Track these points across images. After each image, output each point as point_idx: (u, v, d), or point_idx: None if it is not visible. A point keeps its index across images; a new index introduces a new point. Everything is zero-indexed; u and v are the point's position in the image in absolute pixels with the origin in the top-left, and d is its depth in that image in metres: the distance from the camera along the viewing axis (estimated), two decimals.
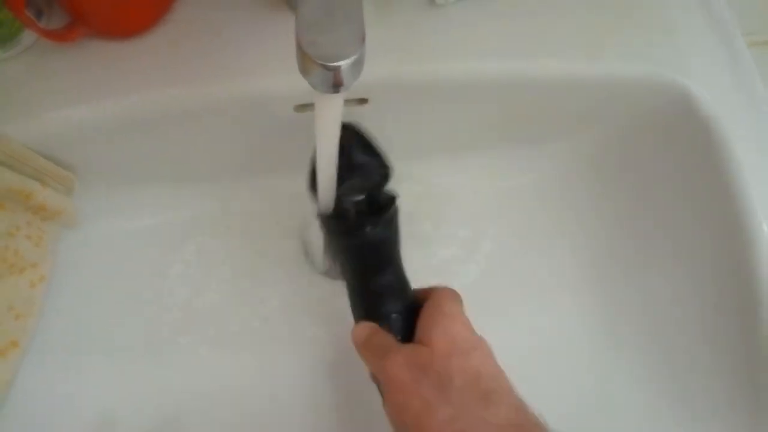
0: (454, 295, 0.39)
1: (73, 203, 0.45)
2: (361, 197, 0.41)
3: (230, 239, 0.52)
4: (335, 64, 0.27)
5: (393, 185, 0.54)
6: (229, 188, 0.52)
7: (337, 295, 0.44)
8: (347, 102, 0.45)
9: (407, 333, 0.38)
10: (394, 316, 0.39)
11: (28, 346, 0.42)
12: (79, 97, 0.41)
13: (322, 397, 0.49)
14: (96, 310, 0.49)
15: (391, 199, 0.41)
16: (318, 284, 0.52)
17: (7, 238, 0.42)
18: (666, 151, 0.50)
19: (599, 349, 0.52)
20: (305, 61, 0.27)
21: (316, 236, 0.46)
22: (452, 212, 0.55)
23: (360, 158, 0.41)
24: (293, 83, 0.36)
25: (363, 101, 0.46)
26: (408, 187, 0.55)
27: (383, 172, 0.41)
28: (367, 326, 0.39)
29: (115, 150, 0.45)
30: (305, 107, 0.45)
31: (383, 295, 0.40)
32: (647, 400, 0.49)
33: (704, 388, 0.47)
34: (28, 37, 0.42)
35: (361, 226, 0.39)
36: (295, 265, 0.52)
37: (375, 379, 0.39)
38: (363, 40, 0.28)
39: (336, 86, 0.28)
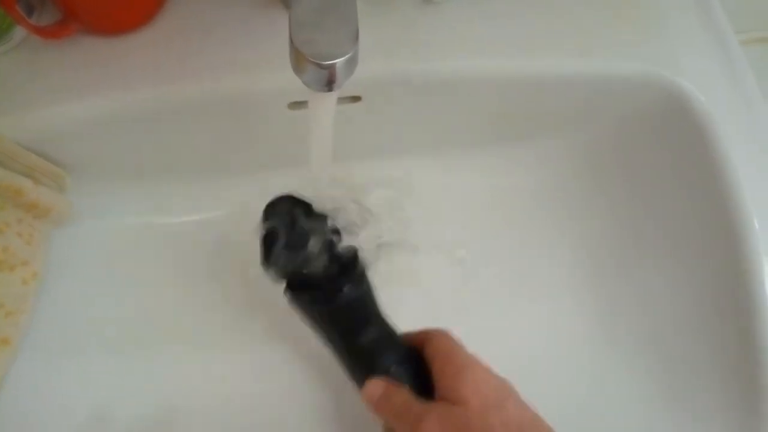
0: (453, 339, 0.38)
1: (65, 200, 0.45)
2: (322, 262, 0.40)
3: (224, 235, 0.52)
4: (329, 62, 0.27)
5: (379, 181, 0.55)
6: (223, 185, 0.52)
7: None
8: (340, 100, 0.45)
9: (413, 383, 0.38)
10: (393, 368, 0.38)
11: (19, 343, 0.42)
12: (70, 93, 0.41)
13: (318, 394, 0.49)
14: (89, 308, 0.48)
15: (354, 252, 0.41)
16: None
17: None
18: (660, 149, 0.50)
19: (596, 348, 0.52)
20: (299, 59, 0.28)
21: None
22: (445, 211, 0.55)
23: (308, 224, 0.41)
24: (287, 81, 0.36)
25: (356, 99, 0.46)
26: (399, 186, 0.55)
27: (333, 228, 0.41)
28: (379, 384, 0.38)
29: (107, 147, 0.45)
30: (299, 105, 0.45)
31: (375, 350, 0.39)
32: (644, 399, 0.49)
33: (701, 386, 0.48)
34: (18, 33, 0.42)
35: (337, 290, 0.39)
36: None
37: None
38: (356, 38, 0.28)
39: (329, 84, 0.28)
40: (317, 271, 0.40)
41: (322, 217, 0.41)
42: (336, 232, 0.41)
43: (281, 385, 0.49)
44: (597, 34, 0.47)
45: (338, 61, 0.27)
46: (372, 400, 0.37)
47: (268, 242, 0.41)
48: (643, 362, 0.50)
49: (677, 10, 0.50)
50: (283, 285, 0.42)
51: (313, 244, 0.40)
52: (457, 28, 0.46)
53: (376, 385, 0.38)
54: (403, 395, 0.37)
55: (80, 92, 0.41)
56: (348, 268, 0.40)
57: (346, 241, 0.41)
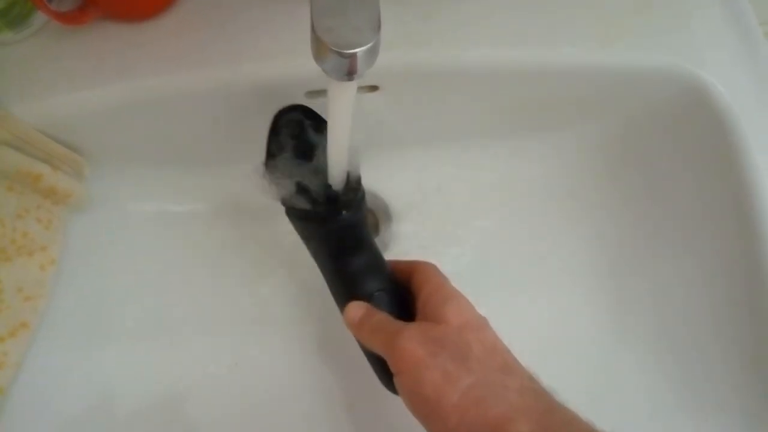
0: (441, 272, 0.39)
1: (83, 187, 0.45)
2: (323, 185, 0.40)
3: (241, 223, 0.52)
4: (350, 51, 0.27)
5: (401, 174, 0.54)
6: (241, 172, 0.51)
7: None
8: (359, 89, 0.45)
9: (394, 309, 0.39)
10: (377, 293, 0.39)
11: (37, 327, 0.42)
12: (89, 80, 0.41)
13: (323, 379, 0.50)
14: (106, 293, 0.49)
15: (357, 179, 0.41)
16: None
17: (16, 220, 0.42)
18: (679, 143, 0.49)
19: (608, 340, 0.52)
20: (320, 47, 0.27)
21: None
22: (460, 202, 0.55)
23: (316, 138, 0.41)
24: (306, 69, 0.36)
25: (374, 88, 0.46)
26: (415, 175, 0.55)
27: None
28: (361, 305, 0.39)
29: (125, 134, 0.45)
30: (317, 93, 0.45)
31: (362, 275, 0.40)
32: (654, 391, 0.49)
33: (712, 379, 0.47)
34: (39, 19, 0.42)
35: (335, 211, 0.39)
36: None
37: (373, 358, 0.39)
38: (378, 27, 0.28)
39: (350, 74, 0.28)
40: (317, 187, 0.40)
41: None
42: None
43: (298, 372, 0.49)
44: (619, 25, 0.46)
45: (360, 50, 0.27)
46: (352, 321, 0.38)
47: (274, 149, 0.41)
48: (655, 355, 0.50)
49: (701, 2, 0.49)
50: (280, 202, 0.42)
51: (319, 158, 0.40)
52: (477, 18, 0.45)
53: (357, 307, 0.38)
54: (384, 316, 0.38)
55: (99, 79, 0.41)
56: (347, 194, 0.40)
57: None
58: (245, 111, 0.45)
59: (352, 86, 0.30)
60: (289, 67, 0.42)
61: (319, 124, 0.42)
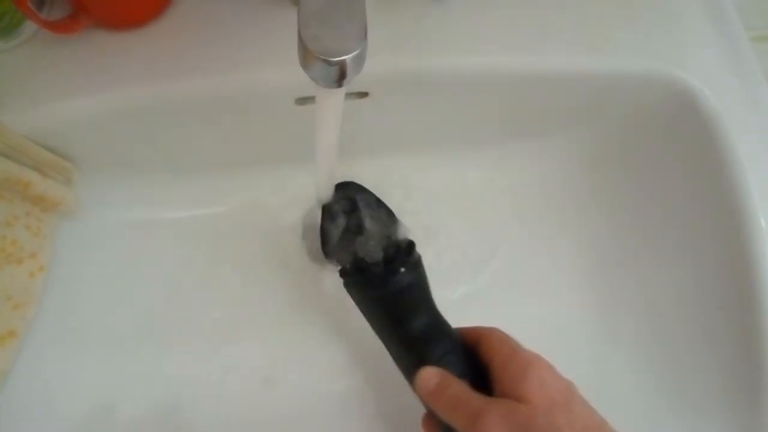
0: (511, 337, 0.37)
1: (72, 194, 0.45)
2: (379, 251, 0.40)
3: (231, 229, 0.52)
4: (337, 59, 0.27)
5: (391, 180, 0.54)
6: (231, 180, 0.52)
7: (337, 286, 0.44)
8: (347, 95, 0.45)
9: (467, 375, 0.36)
10: (446, 357, 0.37)
11: (26, 335, 0.42)
12: (79, 88, 0.41)
13: (316, 382, 0.50)
14: (95, 300, 0.48)
15: (410, 244, 0.40)
16: (316, 273, 0.52)
17: (5, 227, 0.42)
18: (667, 146, 0.50)
19: (599, 343, 0.52)
20: (307, 55, 0.27)
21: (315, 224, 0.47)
22: (451, 208, 0.55)
23: (371, 213, 0.41)
24: (294, 76, 0.36)
25: (363, 95, 0.46)
26: (406, 182, 0.55)
27: (393, 225, 0.41)
28: (435, 372, 0.36)
29: (115, 141, 0.45)
30: (306, 100, 0.45)
31: (427, 338, 0.38)
32: (646, 394, 0.49)
33: (703, 382, 0.48)
34: (29, 28, 0.42)
35: (392, 272, 0.38)
36: (297, 255, 0.52)
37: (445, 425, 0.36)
38: (365, 35, 0.28)
39: (338, 81, 0.28)
40: (374, 257, 0.40)
41: (385, 209, 0.41)
42: (395, 227, 0.41)
43: (289, 378, 0.49)
44: (606, 31, 0.47)
45: (347, 58, 0.27)
46: (427, 390, 0.35)
47: (325, 228, 0.42)
48: (645, 357, 0.51)
49: (687, 7, 0.50)
50: (336, 272, 0.42)
51: (372, 230, 0.40)
52: (465, 24, 0.45)
53: (431, 373, 0.35)
54: (462, 387, 0.35)
55: (89, 87, 0.41)
56: (402, 257, 0.40)
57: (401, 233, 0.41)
58: (234, 118, 0.45)
59: (339, 93, 0.30)
60: (278, 74, 0.42)
61: (376, 199, 0.42)
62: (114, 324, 0.48)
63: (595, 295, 0.53)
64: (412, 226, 0.51)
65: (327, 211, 0.42)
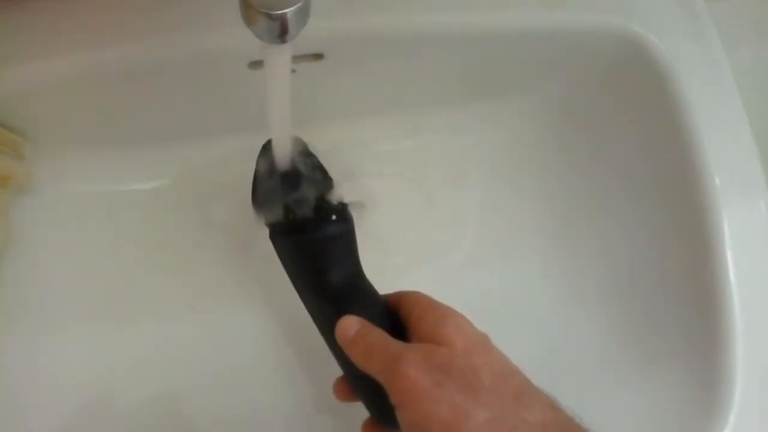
0: (427, 295, 0.37)
1: (25, 168, 0.44)
2: (310, 210, 0.40)
3: (187, 199, 0.51)
4: (279, 12, 0.27)
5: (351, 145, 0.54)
6: (186, 148, 0.51)
7: None
8: (303, 58, 0.45)
9: (386, 326, 0.36)
10: (369, 310, 0.37)
11: None
12: (22, 56, 0.40)
13: (289, 356, 0.50)
14: (58, 277, 0.48)
15: (343, 205, 0.40)
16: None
17: None
18: (623, 101, 0.51)
19: (562, 303, 0.53)
20: (248, 10, 0.27)
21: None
22: (409, 172, 0.55)
23: (305, 170, 0.40)
24: (247, 39, 0.35)
25: (318, 57, 0.45)
26: (368, 147, 0.55)
27: (328, 184, 0.41)
28: (355, 320, 0.35)
29: (65, 111, 0.44)
30: (260, 64, 0.44)
31: (351, 291, 0.38)
32: (605, 346, 0.51)
33: (660, 333, 0.49)
34: None
35: (321, 219, 0.39)
36: (252, 223, 0.52)
37: (364, 384, 0.36)
38: None
39: (282, 35, 0.28)
40: (304, 213, 0.39)
41: (321, 170, 0.41)
42: (330, 188, 0.41)
43: (259, 347, 0.50)
44: None
45: (289, 11, 0.27)
46: (346, 337, 0.35)
47: (259, 179, 0.41)
48: (607, 313, 0.52)
49: None
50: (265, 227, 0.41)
51: (306, 188, 0.40)
52: None
53: (351, 321, 0.36)
54: (381, 333, 0.35)
55: (33, 55, 0.40)
56: (334, 215, 0.39)
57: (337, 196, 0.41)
58: (186, 85, 0.44)
59: (286, 49, 0.30)
60: (229, 37, 0.41)
61: (312, 156, 0.41)
62: (74, 298, 0.48)
63: (555, 251, 0.54)
64: (369, 190, 0.51)
65: (263, 163, 0.42)
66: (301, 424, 0.49)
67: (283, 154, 0.39)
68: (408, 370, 0.31)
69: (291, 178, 0.40)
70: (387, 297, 0.39)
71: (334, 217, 0.39)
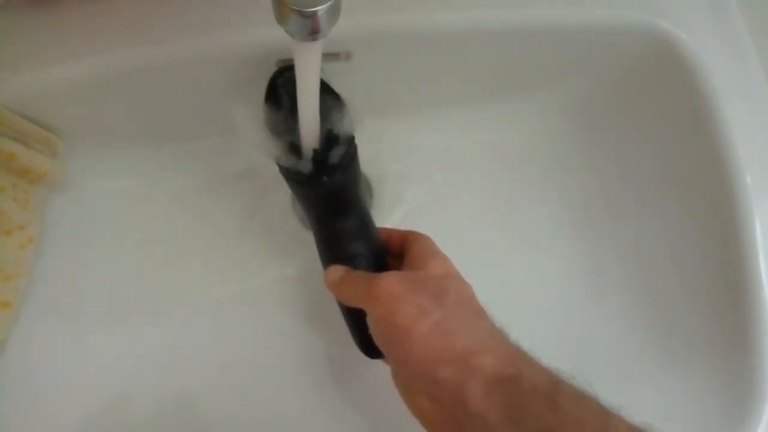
0: (432, 239, 0.40)
1: (59, 165, 0.45)
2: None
3: (220, 196, 0.52)
4: (311, 9, 0.27)
5: (376, 142, 0.54)
6: (220, 146, 0.51)
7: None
8: (332, 56, 0.45)
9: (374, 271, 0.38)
10: (358, 257, 0.40)
11: (19, 306, 0.43)
12: (56, 56, 0.41)
13: (311, 349, 0.51)
14: (88, 271, 0.49)
15: (351, 139, 0.41)
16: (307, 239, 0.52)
17: None
18: (650, 96, 0.50)
19: (587, 294, 0.53)
20: (281, 8, 0.27)
21: None
22: (438, 168, 0.55)
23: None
24: (275, 38, 0.36)
25: (347, 55, 0.46)
26: (392, 143, 0.55)
27: (340, 109, 0.41)
28: (340, 268, 0.39)
29: (98, 109, 0.45)
30: (289, 62, 0.45)
31: (346, 239, 0.40)
32: (632, 341, 0.50)
33: (682, 330, 0.49)
34: None
35: (317, 176, 0.39)
36: (285, 219, 0.52)
37: (351, 318, 0.40)
38: None
39: (313, 33, 0.28)
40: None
41: (332, 94, 0.41)
42: (341, 111, 0.41)
43: (282, 342, 0.50)
44: None
45: (320, 9, 0.27)
46: (332, 282, 0.38)
47: (270, 106, 0.41)
48: (632, 306, 0.52)
49: None
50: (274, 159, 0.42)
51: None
52: None
53: (337, 268, 0.39)
54: (364, 272, 0.38)
55: (67, 54, 0.41)
56: (341, 156, 0.40)
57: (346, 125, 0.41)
58: (218, 82, 0.45)
59: (316, 47, 0.30)
60: (259, 35, 0.42)
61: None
62: (108, 293, 0.49)
63: (582, 247, 0.54)
64: (398, 188, 0.52)
65: (272, 92, 0.42)
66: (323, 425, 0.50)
67: (311, 146, 0.39)
68: (383, 282, 0.34)
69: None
70: (394, 234, 0.41)
71: (333, 174, 0.39)
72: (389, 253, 0.41)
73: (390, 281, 0.34)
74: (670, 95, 0.48)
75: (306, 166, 0.39)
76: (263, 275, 0.52)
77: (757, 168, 0.45)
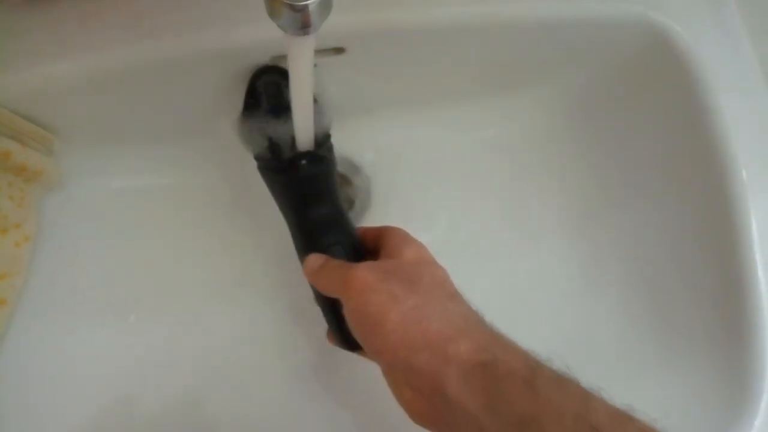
0: (407, 232, 0.40)
1: (54, 163, 0.45)
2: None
3: (214, 195, 0.52)
4: (302, 3, 0.27)
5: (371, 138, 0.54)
6: (215, 144, 0.51)
7: None
8: (324, 52, 0.45)
9: (351, 260, 0.39)
10: (334, 246, 0.40)
11: (16, 304, 0.43)
12: (52, 54, 0.40)
13: (305, 344, 0.51)
14: (84, 269, 0.49)
15: (326, 136, 0.41)
16: None
17: None
18: (647, 89, 0.50)
19: (586, 288, 0.53)
20: (273, 2, 0.27)
21: None
22: (436, 164, 0.55)
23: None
24: (269, 33, 0.36)
25: (339, 50, 0.46)
26: (386, 139, 0.55)
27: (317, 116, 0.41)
28: (320, 257, 0.39)
29: (93, 108, 0.45)
30: (283, 58, 0.45)
31: (321, 228, 0.41)
32: (628, 337, 0.50)
33: (679, 324, 0.49)
34: None
35: (294, 162, 0.40)
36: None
37: (327, 308, 0.40)
38: None
39: (304, 27, 0.28)
40: (287, 145, 0.41)
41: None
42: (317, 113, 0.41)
43: (276, 337, 0.50)
44: None
45: (311, 3, 0.27)
46: (310, 271, 0.39)
47: (249, 105, 0.42)
48: (630, 300, 0.51)
49: None
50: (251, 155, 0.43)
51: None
52: None
53: (316, 257, 0.39)
54: (341, 261, 0.38)
55: (63, 51, 0.40)
56: (317, 147, 0.40)
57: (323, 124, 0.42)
58: (211, 79, 0.45)
59: (309, 41, 0.30)
60: (253, 31, 0.42)
61: None
62: (105, 291, 0.49)
63: (581, 241, 0.54)
64: (396, 183, 0.52)
65: (252, 91, 0.43)
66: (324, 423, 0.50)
67: (305, 142, 0.39)
68: (358, 273, 0.34)
69: (279, 109, 0.41)
70: (369, 231, 0.41)
71: (305, 161, 0.40)
72: (366, 251, 0.41)
73: (363, 271, 0.34)
74: (667, 89, 0.48)
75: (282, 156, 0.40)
76: (262, 274, 0.52)
77: (752, 162, 0.45)
